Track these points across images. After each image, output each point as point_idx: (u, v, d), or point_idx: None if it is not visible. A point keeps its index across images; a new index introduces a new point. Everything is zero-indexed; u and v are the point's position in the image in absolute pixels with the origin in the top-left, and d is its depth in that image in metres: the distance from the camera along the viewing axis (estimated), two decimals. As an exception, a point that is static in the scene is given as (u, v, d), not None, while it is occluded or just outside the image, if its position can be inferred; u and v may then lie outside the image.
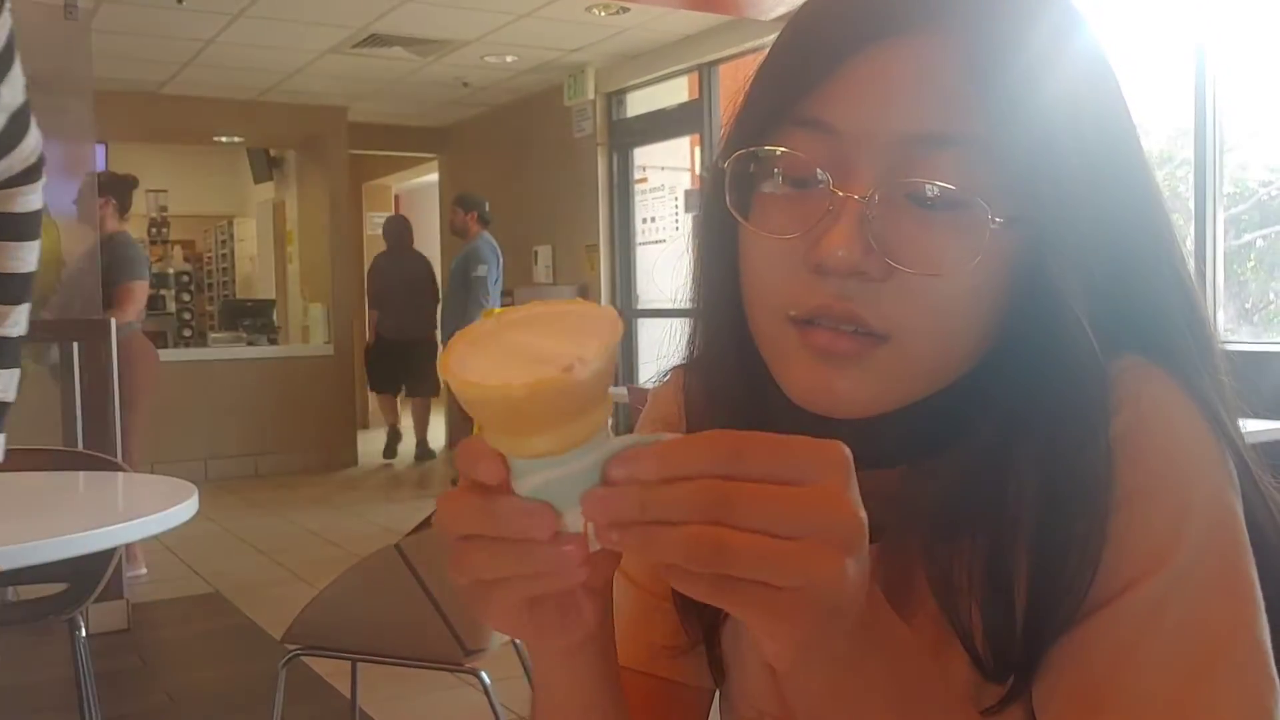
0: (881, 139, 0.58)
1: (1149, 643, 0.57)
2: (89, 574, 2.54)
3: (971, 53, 0.58)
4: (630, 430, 0.49)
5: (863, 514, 0.46)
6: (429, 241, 11.18)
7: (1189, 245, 4.49)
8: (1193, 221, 4.50)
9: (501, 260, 7.20)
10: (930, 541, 0.64)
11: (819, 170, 0.59)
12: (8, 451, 2.70)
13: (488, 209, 7.29)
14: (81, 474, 2.64)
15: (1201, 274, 4.32)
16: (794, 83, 0.61)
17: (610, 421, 0.48)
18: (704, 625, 0.75)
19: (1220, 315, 4.55)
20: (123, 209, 5.09)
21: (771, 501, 0.44)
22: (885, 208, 0.58)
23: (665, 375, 0.80)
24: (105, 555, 2.49)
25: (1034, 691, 0.61)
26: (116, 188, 5.04)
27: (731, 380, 0.69)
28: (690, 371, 0.76)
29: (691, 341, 0.74)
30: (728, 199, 0.63)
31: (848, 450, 0.46)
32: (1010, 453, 0.61)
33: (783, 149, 0.61)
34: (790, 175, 0.61)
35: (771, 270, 0.61)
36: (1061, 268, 0.59)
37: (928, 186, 0.57)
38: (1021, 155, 0.58)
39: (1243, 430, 0.64)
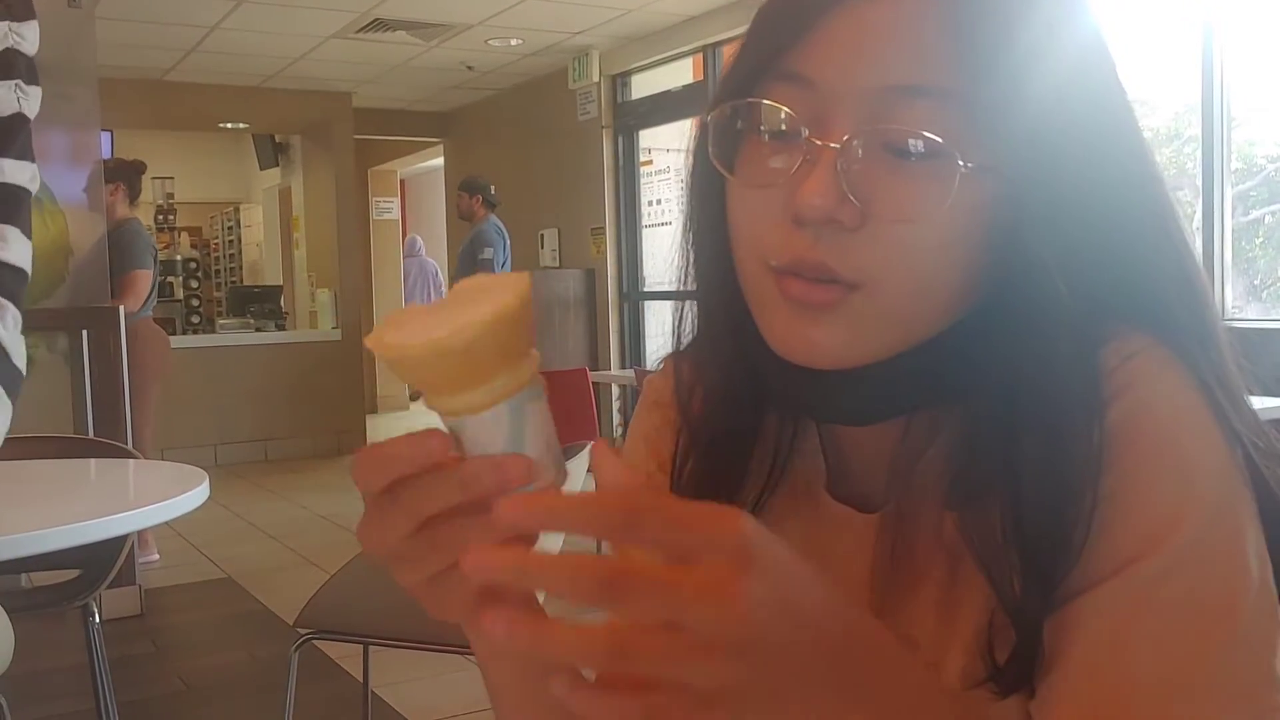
0: (858, 90, 0.59)
1: (1145, 619, 0.57)
2: (101, 560, 2.55)
3: (949, 6, 0.59)
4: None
5: (749, 595, 0.42)
6: (435, 225, 11.19)
7: (1196, 222, 4.47)
8: (1200, 198, 4.48)
9: (509, 242, 7.20)
10: (954, 510, 0.64)
11: (797, 122, 0.60)
12: (19, 439, 2.72)
13: (493, 191, 7.29)
14: (92, 461, 2.65)
15: (1209, 251, 4.30)
16: (776, 38, 0.62)
17: (537, 390, 0.50)
18: None
19: (1228, 292, 4.53)
20: (132, 195, 5.10)
21: (654, 589, 0.41)
22: (861, 157, 0.59)
23: (660, 364, 0.81)
24: (117, 542, 2.50)
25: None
26: (125, 173, 5.05)
27: (722, 335, 0.70)
28: (681, 357, 0.77)
29: (679, 326, 0.75)
30: (711, 152, 0.64)
31: (749, 523, 0.44)
32: (1009, 416, 0.61)
33: (763, 101, 0.62)
34: (771, 128, 0.62)
35: (755, 221, 0.62)
36: (1037, 229, 0.59)
37: (901, 135, 0.58)
38: (996, 109, 0.58)
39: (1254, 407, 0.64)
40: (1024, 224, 0.60)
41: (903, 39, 0.59)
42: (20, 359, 0.96)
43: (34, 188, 1.05)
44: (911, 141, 0.58)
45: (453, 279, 7.52)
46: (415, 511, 0.49)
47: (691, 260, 0.72)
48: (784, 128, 0.61)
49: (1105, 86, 0.65)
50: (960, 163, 0.57)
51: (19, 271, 1.05)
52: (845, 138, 0.59)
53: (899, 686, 0.52)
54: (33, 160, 1.04)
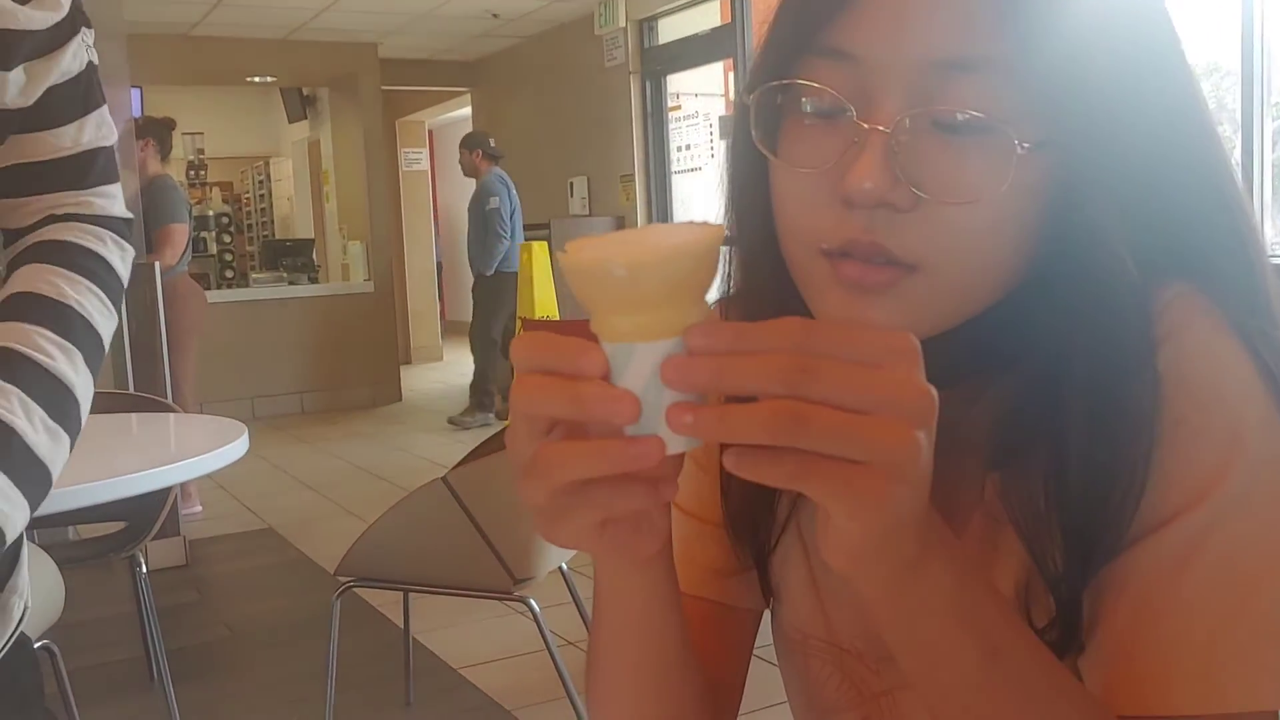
0: (903, 66, 0.57)
1: (1191, 572, 0.57)
2: (146, 512, 2.60)
3: None
4: None
5: (933, 391, 0.46)
6: (464, 177, 11.15)
7: (1236, 157, 4.39)
8: (1239, 133, 4.40)
9: (514, 191, 7.16)
10: (995, 471, 0.64)
11: (842, 101, 0.58)
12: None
13: (493, 144, 7.26)
14: (134, 415, 2.70)
15: (1248, 186, 4.19)
16: (814, 12, 0.60)
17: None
18: (755, 550, 0.76)
19: (1268, 228, 4.46)
20: (163, 151, 5.13)
21: (846, 376, 0.45)
22: (910, 137, 0.57)
23: (713, 307, 0.80)
24: (161, 494, 2.55)
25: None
26: (155, 129, 5.08)
27: (769, 314, 0.69)
28: (731, 305, 0.76)
29: (728, 276, 0.74)
30: (754, 134, 0.62)
31: (915, 339, 0.47)
32: (1059, 380, 0.60)
33: (805, 81, 0.60)
34: (815, 107, 0.60)
35: (802, 204, 0.61)
36: (1094, 193, 0.58)
37: (951, 114, 0.56)
38: (1048, 77, 0.56)
39: None
40: (1080, 193, 0.58)
41: (946, 9, 0.56)
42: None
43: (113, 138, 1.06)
44: (962, 119, 0.56)
45: (468, 234, 7.43)
46: (533, 420, 0.49)
47: (735, 241, 0.71)
48: (829, 107, 0.59)
49: (1158, 39, 0.62)
50: (1016, 143, 0.56)
51: (131, 221, 1.07)
52: (894, 119, 0.57)
53: (959, 555, 0.54)
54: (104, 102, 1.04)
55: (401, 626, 2.96)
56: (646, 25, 7.49)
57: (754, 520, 0.75)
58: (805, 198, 0.61)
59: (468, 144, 7.24)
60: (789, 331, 0.45)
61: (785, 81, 0.61)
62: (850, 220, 0.58)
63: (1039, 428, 0.61)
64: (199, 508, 5.17)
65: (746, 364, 0.45)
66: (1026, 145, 0.56)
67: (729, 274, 0.74)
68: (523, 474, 0.50)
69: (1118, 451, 0.58)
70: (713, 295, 0.78)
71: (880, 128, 0.57)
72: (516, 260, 7.07)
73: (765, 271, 0.67)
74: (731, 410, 0.45)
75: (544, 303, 6.85)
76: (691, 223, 0.49)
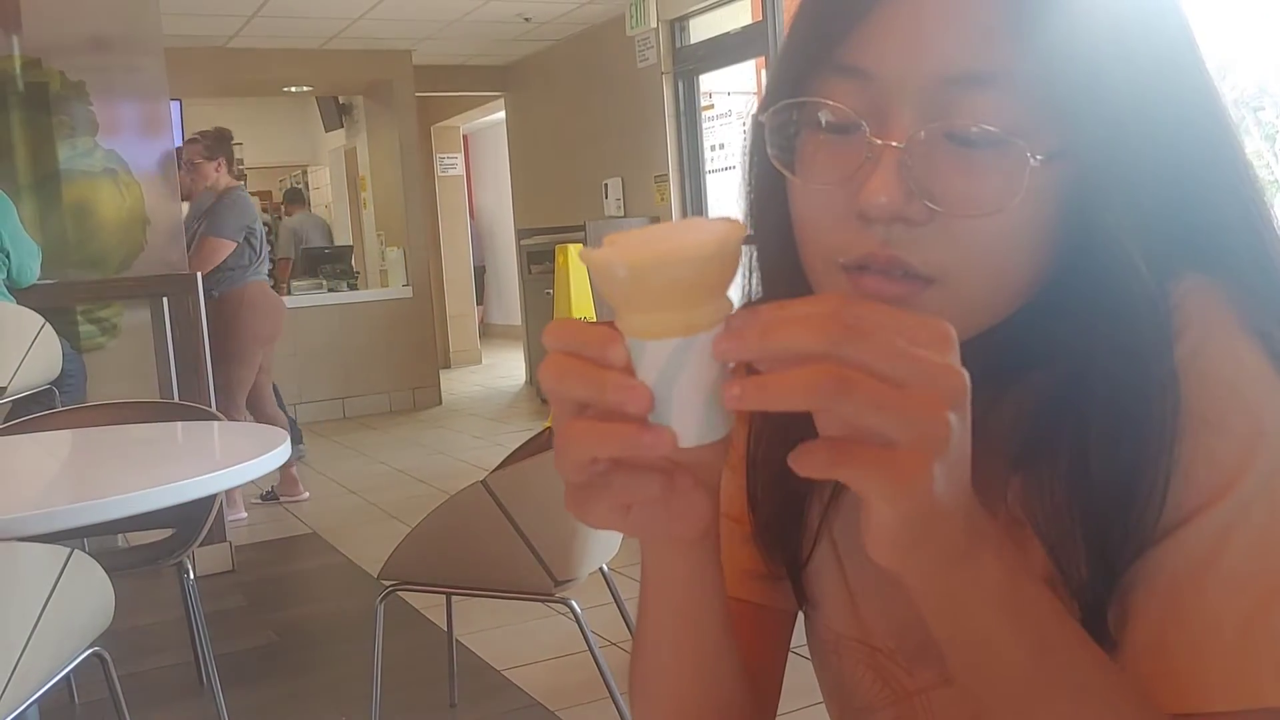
0: (916, 81, 0.57)
1: (1216, 568, 0.57)
2: (193, 519, 2.64)
3: None
4: None
5: (965, 374, 0.47)
6: (499, 180, 11.19)
7: None
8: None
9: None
10: (1017, 474, 0.64)
11: (856, 118, 0.59)
12: (114, 404, 2.81)
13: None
14: (180, 424, 2.74)
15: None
16: (827, 29, 0.60)
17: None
18: (787, 562, 0.77)
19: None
20: (229, 163, 5.19)
21: (888, 342, 0.45)
22: (924, 151, 0.57)
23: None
24: (208, 501, 2.59)
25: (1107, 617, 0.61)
26: (224, 148, 5.14)
27: None
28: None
29: (748, 283, 0.74)
30: (770, 151, 0.63)
31: (950, 326, 0.47)
32: (1079, 380, 0.60)
33: (819, 100, 0.60)
34: (830, 123, 0.61)
35: (819, 219, 0.61)
36: (1109, 200, 0.58)
37: (965, 128, 0.57)
38: (1062, 89, 0.56)
39: None
40: (1095, 201, 0.58)
41: (960, 24, 0.56)
42: None
43: None
44: (976, 132, 0.56)
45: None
46: (561, 400, 0.51)
47: (755, 257, 0.71)
48: (844, 123, 0.60)
49: (1173, 43, 0.62)
50: (1030, 155, 0.56)
51: None
52: (908, 134, 0.57)
53: (1007, 548, 0.54)
54: None
55: (445, 629, 2.99)
56: (678, 25, 7.49)
57: (783, 532, 0.76)
58: (822, 213, 0.61)
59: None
60: (830, 301, 0.46)
61: (798, 101, 0.61)
62: (867, 234, 0.59)
63: (1060, 428, 0.61)
64: (244, 514, 5.23)
65: (792, 327, 0.46)
66: (1040, 157, 0.56)
67: (749, 283, 0.74)
68: (555, 448, 0.52)
69: (1138, 450, 0.58)
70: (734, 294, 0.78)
71: (894, 143, 0.57)
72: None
73: (786, 284, 0.67)
74: (773, 376, 0.46)
75: (580, 305, 6.87)
76: (724, 219, 0.49)
